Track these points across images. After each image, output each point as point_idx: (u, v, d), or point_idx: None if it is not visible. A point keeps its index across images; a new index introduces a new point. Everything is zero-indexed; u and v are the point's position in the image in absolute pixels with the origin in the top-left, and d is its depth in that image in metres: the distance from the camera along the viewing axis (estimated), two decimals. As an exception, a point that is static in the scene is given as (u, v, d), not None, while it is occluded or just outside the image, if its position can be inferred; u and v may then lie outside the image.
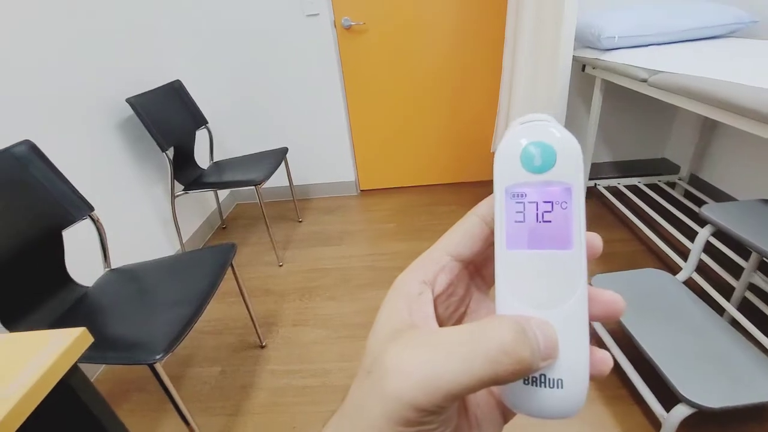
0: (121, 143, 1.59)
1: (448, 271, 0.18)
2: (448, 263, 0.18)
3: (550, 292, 0.16)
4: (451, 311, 0.19)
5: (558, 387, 0.15)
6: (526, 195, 0.16)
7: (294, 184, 2.11)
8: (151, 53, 1.83)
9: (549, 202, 0.16)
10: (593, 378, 0.16)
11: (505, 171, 0.16)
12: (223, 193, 2.31)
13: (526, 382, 0.16)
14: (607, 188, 1.94)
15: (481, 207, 0.18)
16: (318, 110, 2.20)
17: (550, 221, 0.16)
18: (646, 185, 1.91)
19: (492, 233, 0.17)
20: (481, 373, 0.14)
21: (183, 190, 1.75)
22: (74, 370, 0.49)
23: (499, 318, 0.16)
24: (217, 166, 1.96)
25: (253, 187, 1.67)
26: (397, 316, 0.17)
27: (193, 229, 2.01)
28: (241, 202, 2.47)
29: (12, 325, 0.90)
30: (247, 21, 1.99)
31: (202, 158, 1.95)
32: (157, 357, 0.82)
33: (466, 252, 0.18)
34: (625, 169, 2.21)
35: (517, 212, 0.16)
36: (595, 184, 1.99)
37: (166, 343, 0.84)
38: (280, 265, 1.84)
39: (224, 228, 2.22)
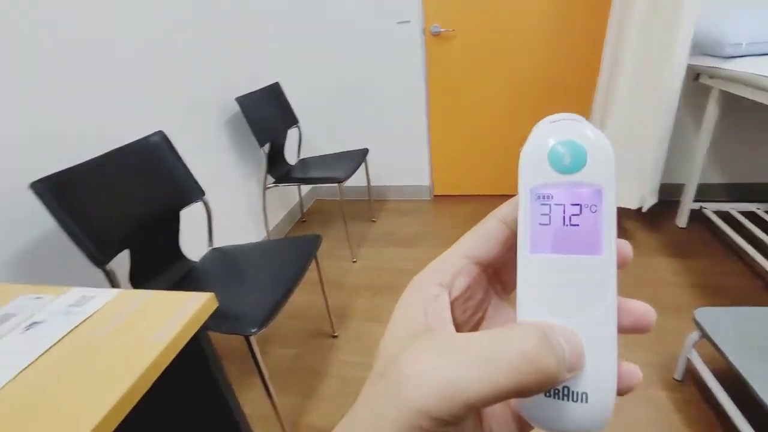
0: (228, 137, 1.77)
1: (466, 274, 0.18)
2: (466, 266, 0.18)
3: (576, 300, 0.15)
4: (468, 316, 0.18)
5: (582, 401, 0.14)
6: (552, 197, 0.15)
7: (371, 184, 2.18)
8: (257, 57, 2.02)
9: (577, 204, 0.15)
10: (621, 393, 0.15)
11: (531, 171, 0.15)
12: (305, 188, 2.46)
13: (548, 394, 0.15)
14: (717, 213, 1.73)
15: (503, 209, 0.18)
16: (400, 114, 2.25)
17: (578, 225, 0.15)
18: (766, 212, 1.67)
19: (513, 237, 0.17)
20: (503, 382, 0.13)
21: (274, 183, 1.90)
22: (204, 328, 0.56)
23: (522, 324, 0.15)
24: (303, 163, 2.10)
25: (335, 185, 1.76)
26: (413, 319, 0.16)
27: (277, 220, 2.16)
28: (321, 198, 2.61)
29: (138, 287, 1.05)
30: (342, 29, 2.11)
31: (290, 155, 2.10)
32: (253, 330, 0.90)
33: (485, 255, 0.18)
34: (739, 192, 1.95)
35: (543, 215, 0.15)
36: (701, 207, 1.78)
37: (261, 319, 0.93)
38: (354, 261, 1.91)
39: (304, 221, 2.36)
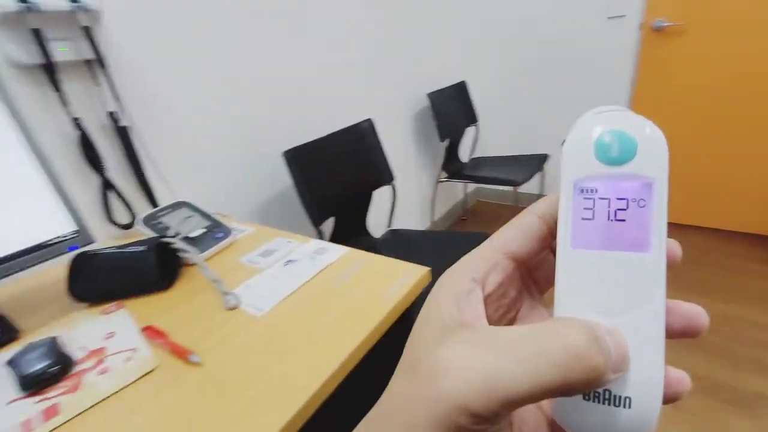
0: (413, 129, 1.89)
1: (500, 270, 0.17)
2: (500, 261, 0.17)
3: (621, 298, 0.14)
4: (500, 314, 0.17)
5: (625, 406, 0.13)
6: (597, 190, 0.14)
7: (544, 193, 2.03)
8: (446, 56, 2.09)
9: (624, 199, 0.14)
10: (667, 401, 0.14)
11: (575, 162, 0.14)
12: (470, 187, 2.46)
13: (587, 397, 0.14)
14: None
15: (540, 205, 0.17)
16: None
17: (624, 220, 0.14)
18: None
19: (550, 234, 0.16)
20: (548, 379, 0.12)
21: (446, 177, 1.96)
22: (418, 299, 0.61)
23: (568, 319, 0.14)
24: (476, 161, 2.09)
25: (502, 187, 1.69)
26: (445, 313, 0.15)
27: (440, 213, 2.22)
28: (483, 200, 2.57)
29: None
30: (540, 28, 2.00)
31: (463, 152, 2.12)
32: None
33: (520, 251, 0.17)
34: None
35: (586, 209, 0.14)
36: None
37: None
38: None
39: (464, 219, 2.37)
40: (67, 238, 0.61)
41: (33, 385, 0.47)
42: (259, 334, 0.53)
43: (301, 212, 1.10)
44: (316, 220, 1.07)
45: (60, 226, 0.60)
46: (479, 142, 2.21)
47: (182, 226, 0.75)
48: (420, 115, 1.90)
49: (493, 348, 0.13)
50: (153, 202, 0.89)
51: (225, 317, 0.57)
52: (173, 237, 0.69)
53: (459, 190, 2.38)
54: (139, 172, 0.87)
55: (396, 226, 1.49)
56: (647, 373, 0.14)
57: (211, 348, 0.50)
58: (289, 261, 0.70)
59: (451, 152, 2.02)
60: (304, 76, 1.28)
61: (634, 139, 0.14)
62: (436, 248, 1.31)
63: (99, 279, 0.62)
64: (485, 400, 0.12)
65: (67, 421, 0.43)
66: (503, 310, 0.18)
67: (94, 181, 0.83)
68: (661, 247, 0.14)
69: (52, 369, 0.48)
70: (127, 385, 0.47)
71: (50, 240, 0.59)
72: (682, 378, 0.14)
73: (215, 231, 0.79)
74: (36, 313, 0.63)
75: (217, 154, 1.07)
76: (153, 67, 0.91)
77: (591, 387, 0.13)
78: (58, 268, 0.79)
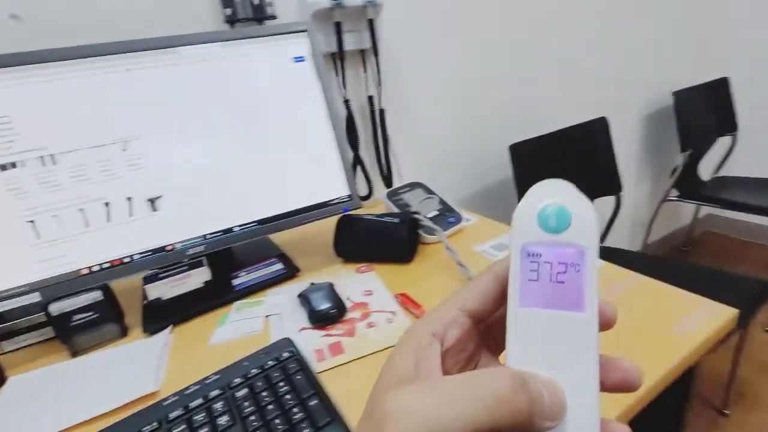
0: (646, 134, 1.60)
1: (458, 326, 0.18)
2: (459, 318, 0.18)
3: (560, 353, 0.16)
4: (459, 367, 0.19)
5: None
6: (541, 255, 0.16)
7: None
8: (701, 45, 1.67)
9: (563, 263, 0.16)
10: None
11: (522, 229, 0.17)
12: (702, 212, 1.96)
13: None
14: None
15: (497, 265, 0.18)
16: None
17: (563, 282, 0.16)
18: None
19: (504, 293, 0.17)
20: (481, 419, 0.14)
21: (677, 197, 1.59)
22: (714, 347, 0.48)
23: (501, 368, 0.16)
24: (721, 181, 1.64)
25: (745, 218, 1.26)
26: (401, 366, 0.17)
27: (656, 237, 1.84)
28: (714, 230, 2.02)
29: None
30: None
31: (704, 167, 1.69)
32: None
33: (477, 309, 0.19)
34: None
35: (531, 271, 0.16)
36: None
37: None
38: (766, 331, 1.37)
39: (685, 250, 1.91)
40: (342, 200, 0.70)
41: (319, 320, 0.56)
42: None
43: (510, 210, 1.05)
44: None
45: (338, 189, 0.70)
46: (732, 158, 1.72)
47: (421, 206, 0.79)
48: (657, 117, 1.59)
49: (436, 394, 0.15)
50: (389, 179, 0.98)
51: (473, 304, 0.57)
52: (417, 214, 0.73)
53: (687, 213, 1.92)
54: (385, 151, 0.96)
55: (603, 243, 1.29)
56: (583, 423, 0.15)
57: (466, 332, 0.50)
58: (530, 261, 0.66)
59: (690, 166, 1.63)
60: (536, 69, 1.21)
61: (570, 211, 0.16)
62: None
63: (358, 240, 0.70)
64: None
65: (349, 361, 0.48)
66: (462, 364, 0.19)
67: (348, 156, 0.96)
68: (593, 307, 0.16)
69: (333, 311, 0.56)
70: (393, 346, 0.50)
71: (332, 200, 0.70)
72: (624, 430, 0.16)
73: (447, 215, 0.81)
74: (305, 257, 0.75)
75: (447, 141, 1.10)
76: (409, 57, 0.99)
77: (520, 428, 0.14)
78: (322, 223, 0.94)
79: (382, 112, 0.93)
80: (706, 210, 1.95)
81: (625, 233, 1.73)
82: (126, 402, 0.45)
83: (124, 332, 0.60)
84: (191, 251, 0.62)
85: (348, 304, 0.59)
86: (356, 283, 0.66)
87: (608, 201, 1.20)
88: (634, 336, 0.46)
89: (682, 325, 0.47)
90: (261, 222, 0.66)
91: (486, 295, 0.18)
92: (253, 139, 0.66)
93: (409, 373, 0.16)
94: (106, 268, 0.58)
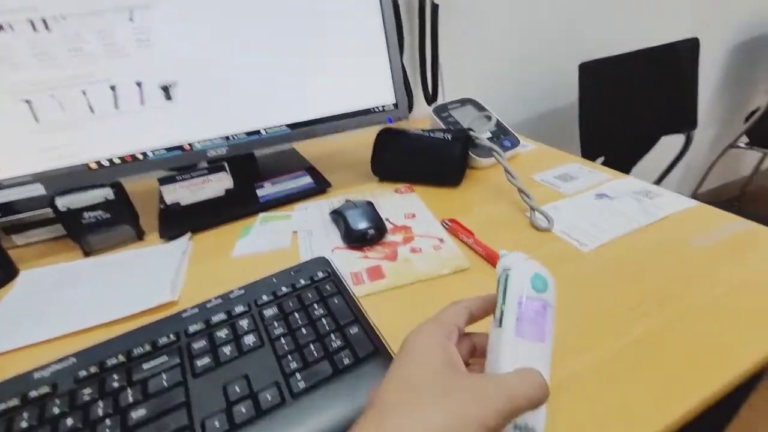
0: (726, 65, 1.37)
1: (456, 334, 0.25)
2: (454, 330, 0.25)
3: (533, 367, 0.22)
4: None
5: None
6: (527, 305, 0.24)
7: None
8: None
9: (540, 313, 0.24)
10: None
11: (518, 287, 0.24)
12: (766, 164, 1.76)
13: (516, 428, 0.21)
14: None
15: (470, 302, 0.27)
16: None
17: (537, 323, 0.24)
18: None
19: (472, 321, 0.27)
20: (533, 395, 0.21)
21: (747, 144, 1.41)
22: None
23: (531, 369, 0.22)
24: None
25: None
26: (438, 357, 0.22)
27: (709, 186, 1.68)
28: (774, 187, 1.83)
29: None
30: None
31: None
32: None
33: (461, 326, 0.26)
34: None
35: (521, 313, 0.24)
36: None
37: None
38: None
39: (736, 204, 1.76)
40: (387, 109, 0.60)
41: (356, 240, 0.48)
42: (588, 276, 0.42)
43: (564, 139, 0.92)
44: (590, 153, 0.88)
45: (383, 96, 0.59)
46: None
47: (473, 124, 0.68)
48: (747, 48, 1.35)
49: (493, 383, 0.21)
50: (435, 92, 0.85)
51: (535, 237, 0.48)
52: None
53: (749, 164, 1.73)
54: (434, 57, 0.82)
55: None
56: (543, 414, 0.22)
57: (530, 268, 0.42)
58: (602, 195, 0.56)
59: (770, 110, 1.42)
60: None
61: (548, 280, 0.25)
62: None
63: (401, 156, 0.61)
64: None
65: (390, 289, 0.42)
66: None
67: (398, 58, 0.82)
68: (551, 340, 0.24)
69: (372, 231, 0.49)
70: (441, 276, 0.43)
71: (375, 107, 0.59)
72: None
73: (502, 138, 0.69)
74: (336, 173, 0.67)
75: (505, 53, 0.94)
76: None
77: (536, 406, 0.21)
78: (357, 135, 0.84)
79: (435, 8, 0.77)
80: (766, 162, 1.76)
81: (674, 179, 1.58)
82: (141, 310, 0.40)
83: (140, 236, 0.55)
84: (212, 153, 0.54)
85: (389, 227, 0.52)
86: (396, 204, 0.58)
87: (671, 141, 1.05)
88: (749, 293, 0.38)
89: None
90: (292, 126, 0.57)
91: (465, 320, 0.26)
92: (289, 25, 0.54)
93: (447, 363, 0.22)
94: (117, 163, 0.50)
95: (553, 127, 1.05)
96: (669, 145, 1.07)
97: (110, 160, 0.50)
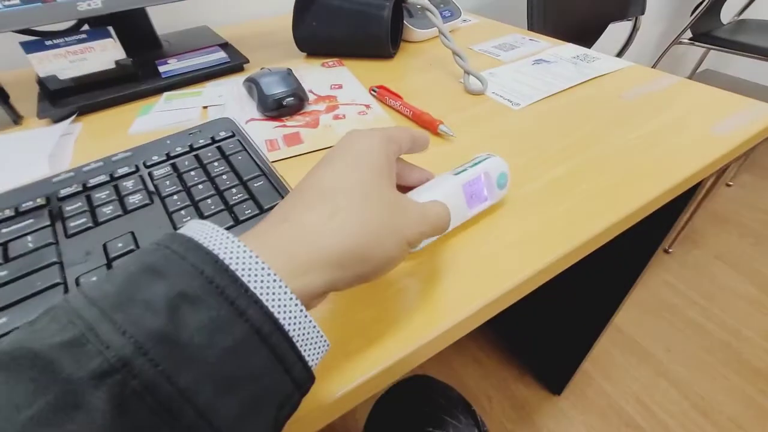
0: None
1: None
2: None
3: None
4: None
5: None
6: (483, 181, 0.28)
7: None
8: None
9: (483, 194, 0.28)
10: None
11: (491, 167, 0.28)
12: (706, 63, 1.80)
13: None
14: None
15: (412, 132, 0.24)
16: None
17: (479, 196, 0.28)
18: None
19: (407, 149, 0.24)
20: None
21: (690, 39, 1.41)
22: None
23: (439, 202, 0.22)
24: (742, 25, 1.45)
25: (751, 68, 1.15)
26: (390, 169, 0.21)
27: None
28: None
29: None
30: None
31: (726, 10, 1.47)
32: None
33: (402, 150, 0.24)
34: None
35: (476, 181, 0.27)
36: None
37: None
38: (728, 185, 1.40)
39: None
40: (303, -42, 0.50)
41: (272, 108, 0.43)
42: (518, 129, 0.40)
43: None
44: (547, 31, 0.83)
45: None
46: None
47: (409, -11, 0.60)
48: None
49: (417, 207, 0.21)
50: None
51: (469, 100, 0.45)
52: (405, -5, 0.55)
53: (690, 61, 1.77)
54: None
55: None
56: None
57: (459, 127, 0.40)
58: (540, 60, 0.53)
59: (714, 6, 1.41)
60: None
61: (507, 184, 0.29)
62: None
63: (325, 24, 0.53)
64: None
65: (310, 152, 0.38)
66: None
67: None
68: (471, 213, 0.28)
69: (291, 98, 0.43)
70: (365, 138, 0.40)
71: (288, -46, 0.49)
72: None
73: (441, 8, 0.63)
74: (257, 52, 0.59)
75: None
76: None
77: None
78: (278, 17, 0.74)
79: None
80: (706, 64, 1.80)
81: (621, 81, 1.59)
82: (12, 187, 0.34)
83: (15, 120, 0.46)
84: (83, 6, 0.43)
85: (311, 98, 0.46)
86: (322, 76, 0.52)
87: (619, 28, 1.02)
88: (670, 135, 0.38)
89: (721, 126, 0.39)
90: (185, -24, 0.47)
91: (410, 147, 0.24)
92: None
93: (391, 175, 0.21)
94: (-46, 17, 0.40)
95: (499, 9, 0.98)
96: (615, 37, 1.04)
97: (-55, 15, 0.39)
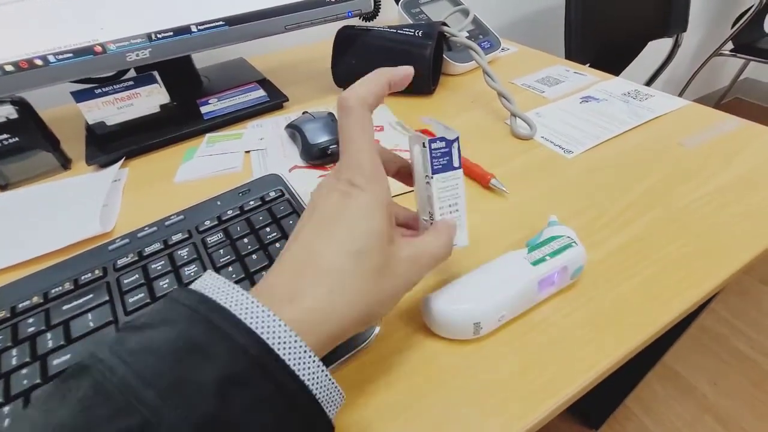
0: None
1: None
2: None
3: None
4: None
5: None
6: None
7: None
8: None
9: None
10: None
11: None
12: (746, 74, 1.72)
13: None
14: None
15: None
16: None
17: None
18: None
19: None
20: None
21: (731, 51, 1.35)
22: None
23: (439, 235, 0.23)
24: (788, 35, 1.37)
25: None
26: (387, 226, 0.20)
27: (690, 96, 1.65)
28: (745, 98, 1.83)
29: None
30: None
31: (774, 17, 1.39)
32: None
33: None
34: None
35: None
36: None
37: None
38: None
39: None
40: (346, -1, 0.50)
41: (317, 157, 0.43)
42: (572, 183, 0.38)
43: (548, 45, 0.84)
44: (575, 60, 0.80)
45: (339, -19, 0.49)
46: None
47: (448, 21, 0.59)
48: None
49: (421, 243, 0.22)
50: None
51: (517, 146, 0.44)
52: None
53: (729, 74, 1.69)
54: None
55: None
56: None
57: (510, 179, 0.38)
58: (588, 97, 0.50)
59: (759, 17, 1.34)
60: None
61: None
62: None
63: (364, 59, 0.53)
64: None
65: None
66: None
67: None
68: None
69: (334, 146, 0.42)
70: (410, 191, 0.39)
71: (331, -4, 0.49)
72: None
73: (481, 38, 0.61)
74: (294, 86, 0.58)
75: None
76: None
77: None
78: (317, 46, 0.74)
79: None
80: (747, 73, 1.72)
81: (659, 84, 1.53)
82: (66, 245, 0.35)
83: (64, 164, 0.47)
84: (132, 57, 0.44)
85: (352, 141, 0.46)
86: (362, 116, 0.51)
87: (654, 52, 0.98)
88: (742, 191, 0.35)
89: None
90: (230, 21, 0.47)
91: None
92: None
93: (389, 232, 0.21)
94: (11, 71, 0.41)
95: (536, 31, 0.95)
96: (652, 55, 1.00)
97: (1, 68, 0.41)
